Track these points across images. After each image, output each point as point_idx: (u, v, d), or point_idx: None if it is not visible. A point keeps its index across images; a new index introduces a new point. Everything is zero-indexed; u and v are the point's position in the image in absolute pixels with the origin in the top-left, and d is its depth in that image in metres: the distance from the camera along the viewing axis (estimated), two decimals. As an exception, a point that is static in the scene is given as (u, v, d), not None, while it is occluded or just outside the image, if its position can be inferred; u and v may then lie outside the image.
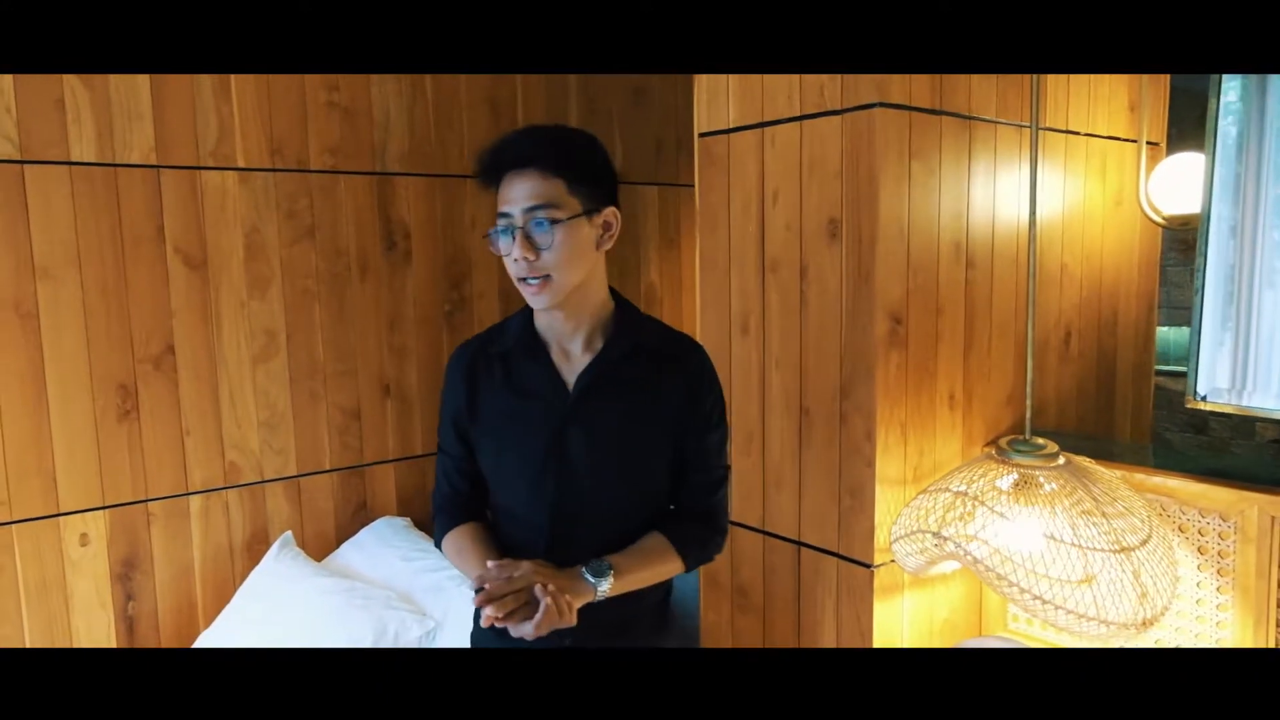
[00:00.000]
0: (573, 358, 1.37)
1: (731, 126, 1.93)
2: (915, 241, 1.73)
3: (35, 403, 2.17)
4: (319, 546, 2.58)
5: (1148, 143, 2.12)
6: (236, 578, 2.47)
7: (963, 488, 1.51)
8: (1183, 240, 3.35)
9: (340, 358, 2.60)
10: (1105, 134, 2.10)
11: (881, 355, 1.70)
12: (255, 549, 2.50)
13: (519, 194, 1.26)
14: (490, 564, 1.25)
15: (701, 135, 2.01)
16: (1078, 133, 2.03)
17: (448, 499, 1.45)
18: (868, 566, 1.75)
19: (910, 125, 1.69)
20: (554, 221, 1.26)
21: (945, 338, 1.81)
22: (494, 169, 1.30)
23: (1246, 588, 1.55)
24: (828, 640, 1.84)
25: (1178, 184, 2.00)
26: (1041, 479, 1.53)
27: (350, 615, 2.11)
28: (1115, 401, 2.26)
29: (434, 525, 1.48)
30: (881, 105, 1.64)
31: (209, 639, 2.30)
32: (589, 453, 1.34)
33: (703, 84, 1.99)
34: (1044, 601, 1.39)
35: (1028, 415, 1.57)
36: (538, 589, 1.20)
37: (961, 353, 1.85)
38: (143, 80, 2.24)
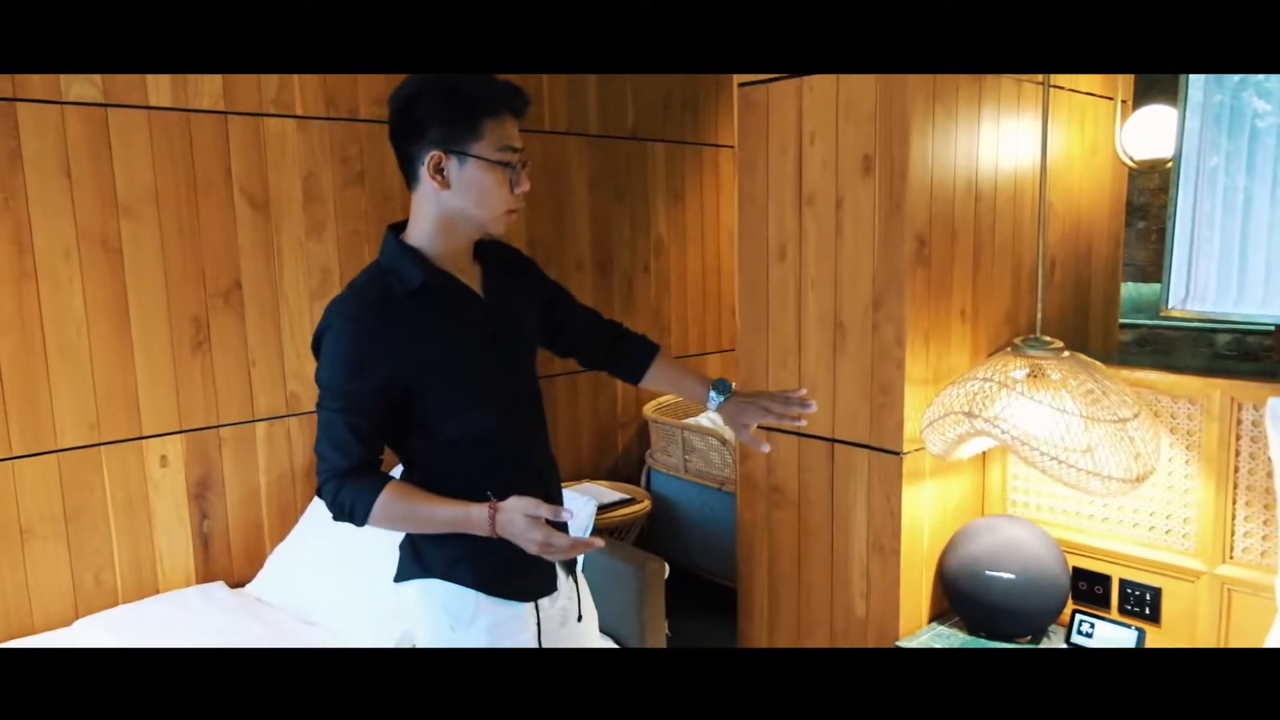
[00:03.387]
0: (469, 275, 1.49)
1: (770, 77, 2.18)
2: (936, 175, 2.02)
3: (120, 332, 2.33)
4: (370, 472, 2.78)
5: (1121, 101, 2.44)
6: (298, 501, 2.67)
7: (988, 375, 1.81)
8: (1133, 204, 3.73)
9: (387, 296, 2.79)
10: (1085, 90, 2.41)
11: (909, 271, 1.99)
12: (314, 474, 2.68)
13: (516, 136, 1.42)
14: (560, 508, 1.35)
15: (741, 85, 2.26)
16: (1062, 87, 2.33)
17: (363, 459, 1.39)
18: (897, 454, 2.04)
19: (934, 75, 1.97)
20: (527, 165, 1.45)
21: (959, 259, 2.11)
22: (507, 107, 1.40)
23: (1210, 458, 1.89)
24: (859, 522, 2.13)
25: (1147, 132, 2.32)
26: (1049, 369, 1.83)
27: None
28: (1089, 326, 2.59)
29: (339, 492, 1.38)
30: (913, 55, 1.91)
31: (281, 554, 2.49)
32: (516, 348, 1.54)
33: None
34: (1060, 461, 1.69)
35: (1039, 317, 1.87)
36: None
37: (971, 273, 2.15)
38: (212, 31, 2.40)
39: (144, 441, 2.39)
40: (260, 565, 2.56)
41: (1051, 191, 2.35)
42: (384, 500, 1.37)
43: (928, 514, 2.12)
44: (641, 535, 3.24)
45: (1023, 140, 2.24)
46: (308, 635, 2.24)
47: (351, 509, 1.39)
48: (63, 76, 2.20)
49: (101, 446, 2.32)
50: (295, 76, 2.55)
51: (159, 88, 2.34)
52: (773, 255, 2.25)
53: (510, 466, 1.50)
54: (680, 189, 3.60)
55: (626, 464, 3.56)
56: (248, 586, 2.49)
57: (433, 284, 1.42)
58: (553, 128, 3.21)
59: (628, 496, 3.14)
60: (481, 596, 1.46)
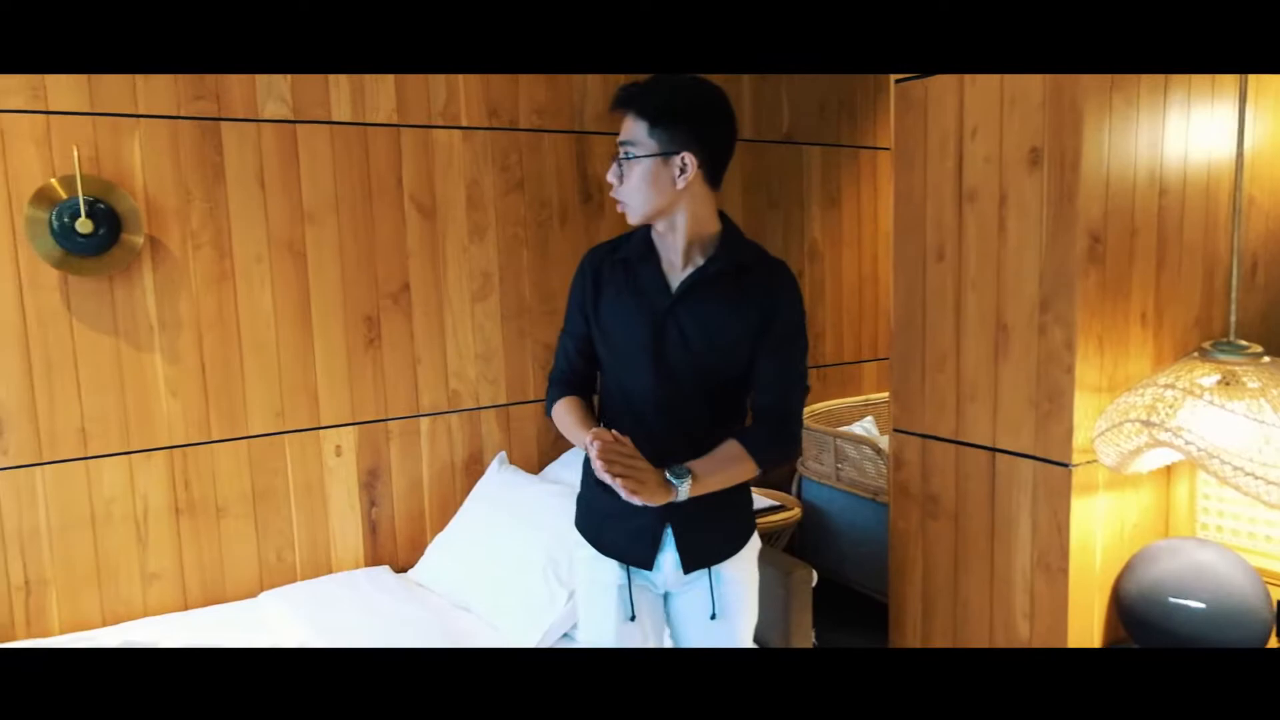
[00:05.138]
0: (676, 268, 1.58)
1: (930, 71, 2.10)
2: (1114, 167, 1.87)
3: (303, 330, 2.52)
4: (525, 469, 2.87)
5: (1336, 78, 2.18)
6: (458, 494, 2.79)
7: (1171, 381, 1.66)
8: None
9: (543, 298, 2.88)
10: (1293, 70, 2.17)
11: (1081, 270, 1.85)
12: (472, 469, 2.81)
13: (621, 131, 1.54)
14: (601, 432, 1.42)
15: (898, 82, 2.19)
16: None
17: (565, 373, 1.69)
18: (1066, 466, 1.90)
19: (1113, 57, 1.83)
20: (629, 158, 1.52)
21: (1139, 258, 1.94)
22: (617, 105, 1.55)
23: None
24: (1023, 537, 2.00)
25: (1370, 114, 2.06)
26: (1245, 377, 1.66)
27: (574, 515, 2.38)
28: (1297, 333, 2.32)
29: (547, 393, 1.71)
30: (1088, 38, 1.78)
31: (441, 543, 2.62)
32: (681, 345, 1.57)
33: (900, 32, 2.17)
34: (1257, 478, 1.52)
35: (1233, 319, 1.70)
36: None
37: (1154, 273, 1.98)
38: (389, 49, 2.57)
39: (321, 431, 2.58)
40: (421, 552, 2.70)
41: (1253, 184, 2.13)
42: (558, 408, 1.65)
43: (1101, 532, 1.97)
44: (791, 543, 3.18)
45: (1217, 127, 2.04)
46: (463, 620, 2.33)
47: (547, 408, 1.70)
48: (258, 96, 2.41)
49: (285, 435, 2.52)
50: (461, 88, 2.69)
51: (340, 103, 2.52)
52: (930, 255, 2.15)
53: (624, 419, 1.61)
54: (836, 193, 3.52)
55: (777, 471, 3.51)
56: (410, 572, 2.63)
57: (634, 261, 1.61)
58: (706, 133, 3.22)
59: (777, 503, 3.09)
60: (578, 534, 1.73)
